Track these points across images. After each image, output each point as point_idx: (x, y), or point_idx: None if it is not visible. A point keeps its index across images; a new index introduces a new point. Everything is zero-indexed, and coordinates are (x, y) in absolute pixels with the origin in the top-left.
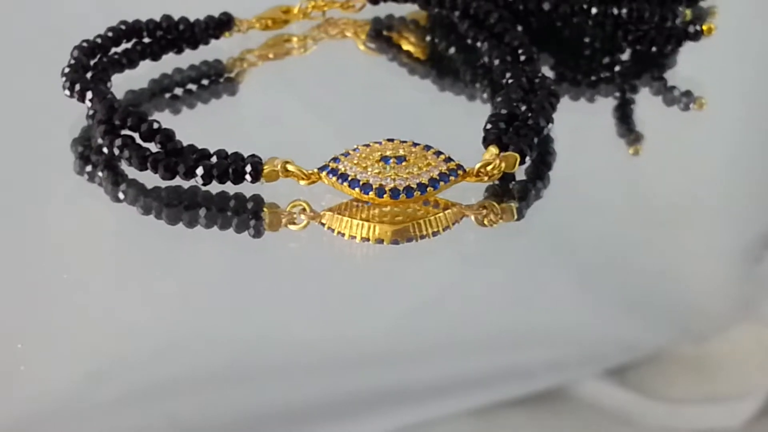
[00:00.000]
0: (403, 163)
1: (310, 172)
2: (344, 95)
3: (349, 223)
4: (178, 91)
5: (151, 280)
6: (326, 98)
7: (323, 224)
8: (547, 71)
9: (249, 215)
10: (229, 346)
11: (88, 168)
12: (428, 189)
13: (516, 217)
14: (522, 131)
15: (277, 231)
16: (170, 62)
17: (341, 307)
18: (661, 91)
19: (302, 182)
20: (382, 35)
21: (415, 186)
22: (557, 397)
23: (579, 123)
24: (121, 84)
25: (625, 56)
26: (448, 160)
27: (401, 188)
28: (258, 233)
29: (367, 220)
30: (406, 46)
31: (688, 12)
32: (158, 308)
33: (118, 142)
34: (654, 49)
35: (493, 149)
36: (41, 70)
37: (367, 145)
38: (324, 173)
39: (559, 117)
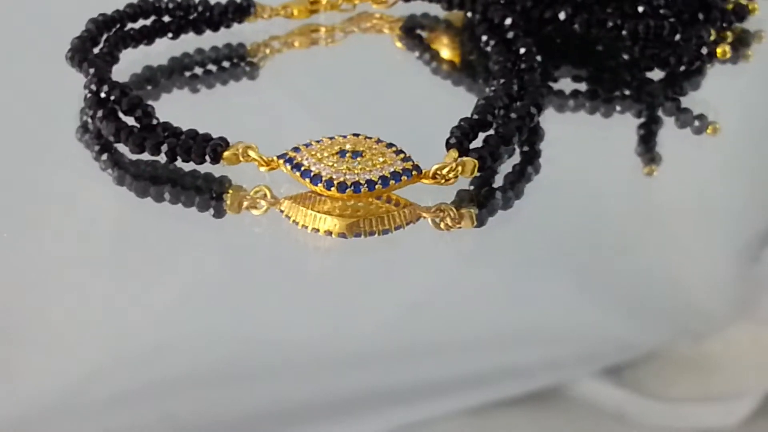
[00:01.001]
0: (358, 159)
1: (270, 159)
2: (365, 89)
3: (305, 212)
4: (199, 70)
5: (148, 279)
6: (346, 90)
7: (282, 211)
8: (568, 83)
9: (212, 195)
10: (226, 346)
11: (87, 137)
12: (377, 186)
13: (475, 223)
14: (490, 139)
15: (239, 213)
16: (194, 42)
17: (338, 306)
18: (674, 112)
19: (262, 168)
20: (414, 33)
21: (363, 182)
22: (554, 396)
23: (590, 135)
24: (141, 59)
25: (652, 74)
26: (406, 159)
27: (349, 183)
28: (219, 214)
29: (327, 213)
30: (436, 46)
31: (729, 34)
32: (155, 307)
33: (100, 112)
34: (667, 68)
35: (453, 153)
36: (65, 38)
37: (332, 138)
38: (282, 161)
39: (570, 128)
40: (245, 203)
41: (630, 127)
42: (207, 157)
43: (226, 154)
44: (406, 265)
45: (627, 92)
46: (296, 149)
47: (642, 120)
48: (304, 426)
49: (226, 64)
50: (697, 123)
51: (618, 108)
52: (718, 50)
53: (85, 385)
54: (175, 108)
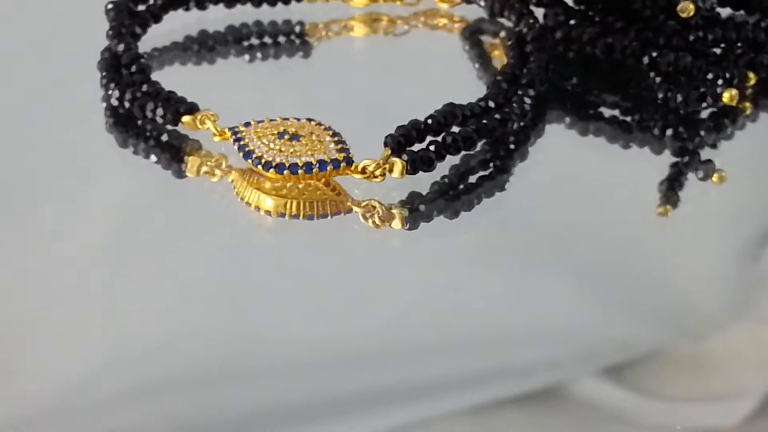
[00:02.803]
0: (293, 142)
1: (222, 130)
2: (411, 84)
3: (245, 186)
4: (256, 41)
5: (148, 277)
6: (392, 82)
7: (231, 182)
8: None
9: (174, 156)
10: (226, 344)
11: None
12: (300, 171)
13: (404, 225)
14: (432, 144)
15: (197, 177)
16: (254, 15)
17: (338, 304)
18: (678, 154)
19: (216, 138)
20: (475, 38)
21: (288, 164)
22: (554, 395)
23: (603, 160)
24: (196, 23)
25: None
26: (342, 150)
27: (274, 163)
28: (178, 175)
29: (261, 188)
30: (492, 53)
31: (752, 75)
32: (155, 306)
33: (105, 63)
34: (671, 105)
35: (386, 151)
36: None
37: (286, 119)
38: (230, 132)
39: (582, 150)
40: (204, 169)
41: (645, 162)
42: (166, 118)
43: (184, 118)
44: (406, 265)
45: (649, 126)
46: (247, 124)
47: (674, 159)
48: (304, 425)
49: (282, 39)
50: (702, 169)
51: (638, 141)
52: (725, 95)
53: (85, 385)
54: (224, 74)
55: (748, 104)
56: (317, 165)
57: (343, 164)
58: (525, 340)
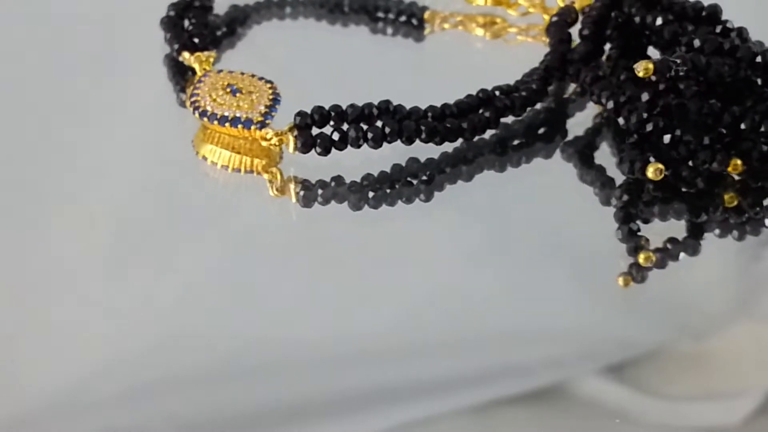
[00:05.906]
0: (230, 96)
1: (204, 71)
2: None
3: (201, 128)
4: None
5: (148, 277)
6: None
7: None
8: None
9: (181, 85)
10: (228, 344)
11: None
12: (215, 122)
13: (297, 201)
14: (338, 129)
15: (189, 109)
16: None
17: (340, 304)
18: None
19: (196, 78)
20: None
21: (210, 112)
22: (556, 394)
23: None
24: None
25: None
26: (264, 115)
27: (201, 109)
28: (180, 102)
29: (206, 132)
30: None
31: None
32: (156, 305)
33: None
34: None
35: (289, 125)
36: None
37: (253, 76)
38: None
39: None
40: (193, 107)
41: None
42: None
43: (185, 54)
44: (407, 264)
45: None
46: (219, 71)
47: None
48: (305, 424)
49: (402, 18)
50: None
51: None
52: (649, 169)
53: (85, 385)
54: (343, 39)
55: (733, 195)
56: (230, 120)
57: (254, 126)
58: (526, 339)
